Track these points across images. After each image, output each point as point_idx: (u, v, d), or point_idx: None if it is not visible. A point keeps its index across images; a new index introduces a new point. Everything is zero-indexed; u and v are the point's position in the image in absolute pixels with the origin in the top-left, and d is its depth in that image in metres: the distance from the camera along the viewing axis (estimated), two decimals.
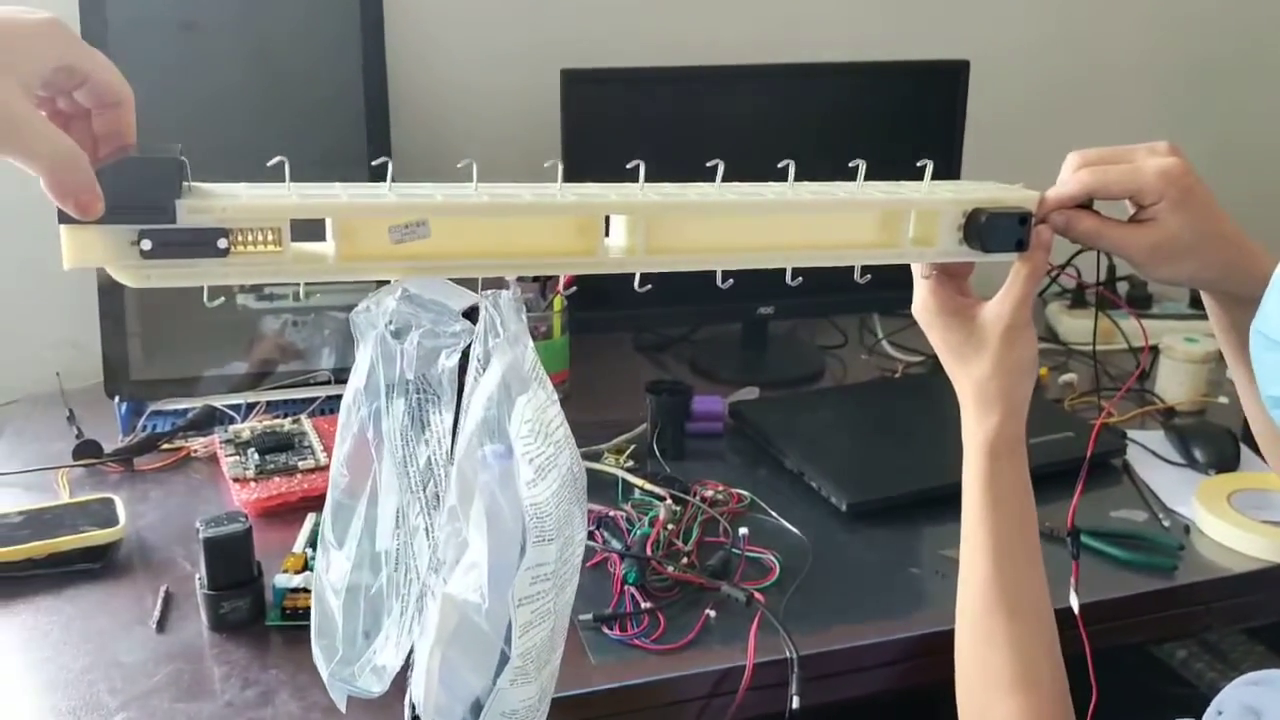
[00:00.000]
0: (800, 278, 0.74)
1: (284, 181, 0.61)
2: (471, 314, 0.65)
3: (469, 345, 0.64)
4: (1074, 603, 0.82)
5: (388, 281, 0.65)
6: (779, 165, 0.73)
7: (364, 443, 0.69)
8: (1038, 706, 0.73)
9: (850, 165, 0.73)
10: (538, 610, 0.65)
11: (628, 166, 0.69)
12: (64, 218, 0.55)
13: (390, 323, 0.66)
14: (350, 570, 0.71)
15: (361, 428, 0.69)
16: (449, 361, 0.65)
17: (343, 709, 0.74)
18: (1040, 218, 0.77)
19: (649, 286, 0.70)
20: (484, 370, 0.64)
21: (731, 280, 0.72)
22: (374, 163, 0.65)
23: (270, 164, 0.60)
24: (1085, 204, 0.76)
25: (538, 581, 0.64)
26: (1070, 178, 0.76)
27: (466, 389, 0.65)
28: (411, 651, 0.70)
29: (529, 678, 0.66)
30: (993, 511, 0.77)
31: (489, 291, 0.64)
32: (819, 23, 1.61)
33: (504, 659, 0.65)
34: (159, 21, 1.24)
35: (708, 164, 0.70)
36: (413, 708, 0.69)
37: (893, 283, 0.92)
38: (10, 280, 1.36)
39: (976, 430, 0.78)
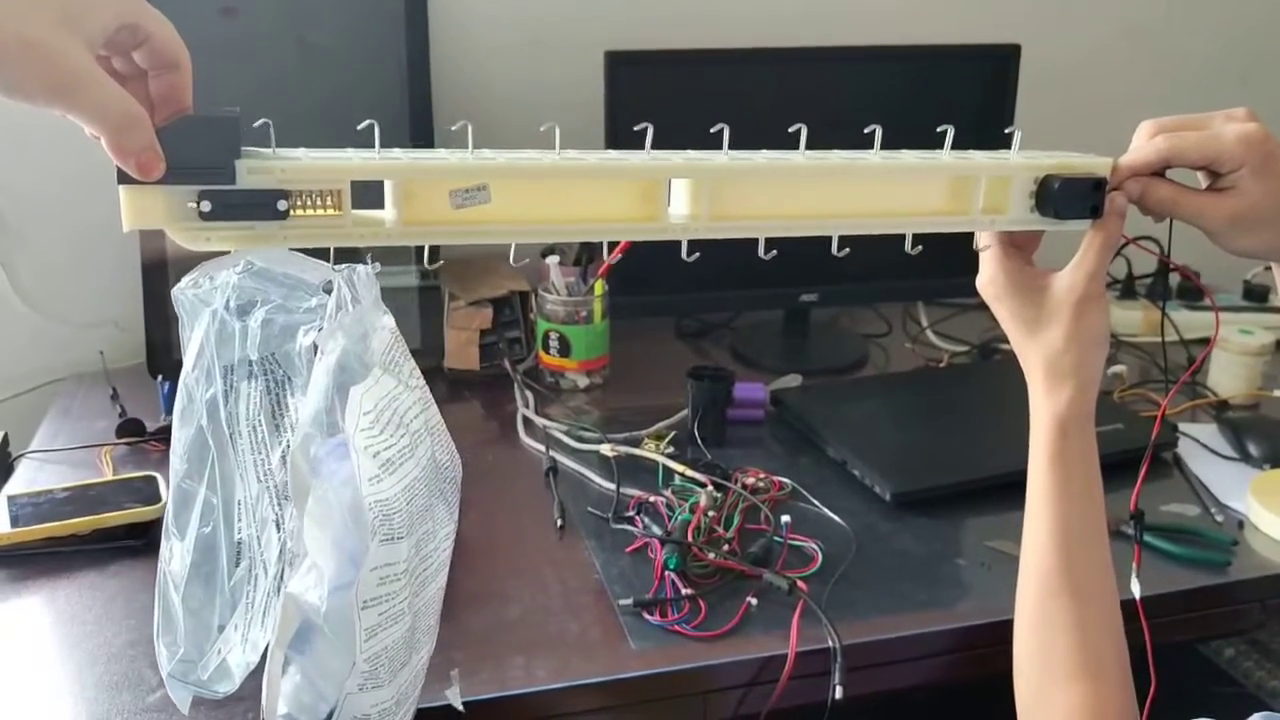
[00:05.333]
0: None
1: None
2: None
3: None
4: (1136, 589, 0.80)
5: (226, 252, 0.60)
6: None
7: (200, 430, 0.65)
8: (1101, 695, 0.71)
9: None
10: (388, 612, 0.60)
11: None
12: (124, 178, 0.54)
13: (230, 299, 0.61)
14: (190, 563, 0.67)
15: (198, 414, 0.64)
16: (306, 339, 0.60)
17: (185, 710, 0.71)
18: (1114, 185, 0.74)
19: (773, 252, 0.68)
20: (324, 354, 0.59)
21: (848, 249, 0.71)
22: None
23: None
24: (1159, 172, 0.74)
25: (386, 582, 0.60)
26: (1145, 144, 0.73)
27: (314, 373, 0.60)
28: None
29: (380, 682, 0.61)
30: (1061, 489, 0.75)
31: (343, 266, 0.60)
32: (868, 3, 1.59)
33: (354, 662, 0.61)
34: (200, 7, 1.24)
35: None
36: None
37: (938, 271, 0.90)
38: (55, 262, 1.38)
39: (1046, 404, 0.76)
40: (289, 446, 0.62)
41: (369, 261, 0.61)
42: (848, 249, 0.71)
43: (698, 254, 0.68)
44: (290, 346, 0.61)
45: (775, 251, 0.69)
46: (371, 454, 0.58)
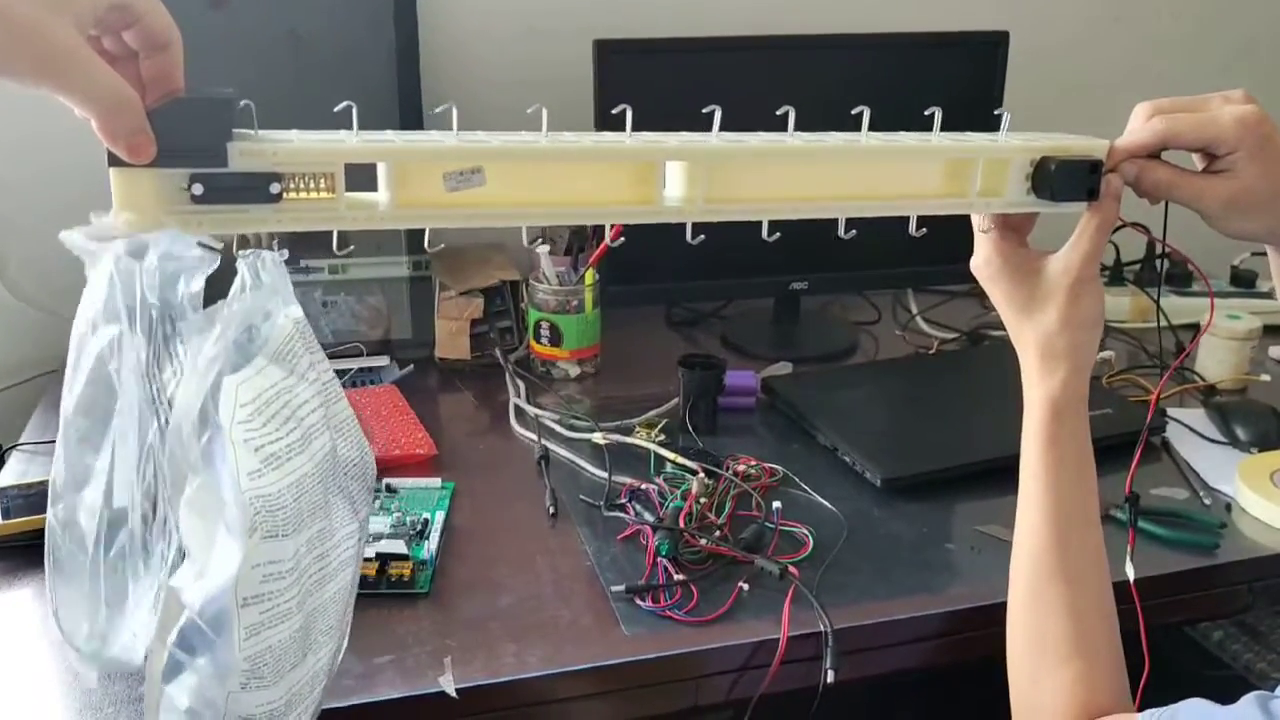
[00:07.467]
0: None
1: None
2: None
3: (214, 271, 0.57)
4: (1130, 572, 0.80)
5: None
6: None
7: (102, 378, 0.62)
8: (1092, 675, 0.71)
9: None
10: (271, 611, 0.58)
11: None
12: (114, 161, 0.53)
13: (123, 244, 0.59)
14: (94, 528, 0.63)
15: (101, 359, 0.61)
16: (191, 286, 0.58)
17: (92, 684, 0.70)
18: (1110, 167, 0.75)
19: (700, 236, 0.68)
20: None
21: (779, 234, 0.70)
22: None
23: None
24: (1155, 154, 0.74)
25: (270, 580, 0.57)
26: (1142, 126, 0.73)
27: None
28: None
29: (265, 682, 0.59)
30: (1054, 472, 0.75)
31: (249, 251, 0.58)
32: None
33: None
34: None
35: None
36: None
37: (928, 259, 0.90)
38: (44, 253, 1.37)
39: (1040, 387, 0.76)
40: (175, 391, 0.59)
41: (275, 247, 0.60)
42: (779, 233, 0.70)
43: (623, 239, 0.67)
44: (175, 293, 0.59)
45: (703, 236, 0.68)
46: (253, 448, 0.56)
